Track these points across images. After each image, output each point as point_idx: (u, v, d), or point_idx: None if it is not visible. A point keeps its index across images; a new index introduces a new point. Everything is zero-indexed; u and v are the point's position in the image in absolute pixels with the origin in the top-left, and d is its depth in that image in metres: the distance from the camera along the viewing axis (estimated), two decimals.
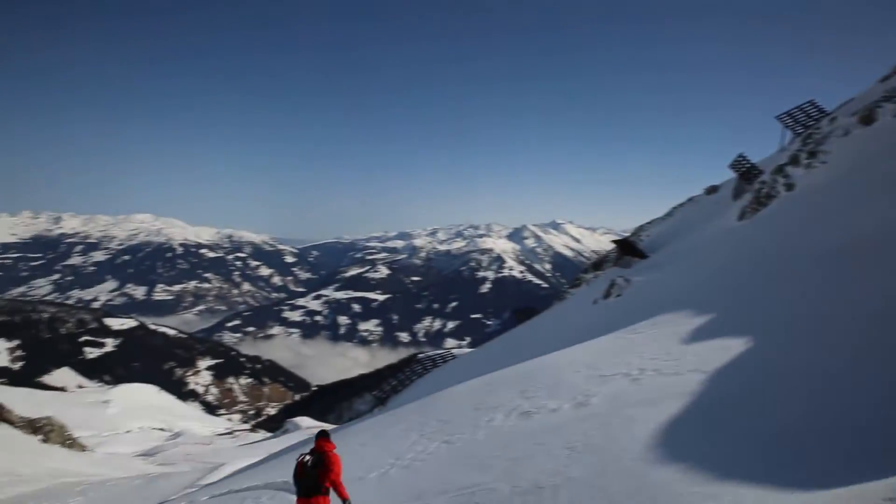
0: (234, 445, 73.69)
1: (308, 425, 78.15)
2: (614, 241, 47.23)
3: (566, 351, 16.78)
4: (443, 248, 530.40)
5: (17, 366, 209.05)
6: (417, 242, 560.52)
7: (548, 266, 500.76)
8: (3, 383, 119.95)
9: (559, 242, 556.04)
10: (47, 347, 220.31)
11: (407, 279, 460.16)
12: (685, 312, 15.80)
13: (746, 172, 36.64)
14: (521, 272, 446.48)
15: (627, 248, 43.46)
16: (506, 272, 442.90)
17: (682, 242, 37.70)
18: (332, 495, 7.23)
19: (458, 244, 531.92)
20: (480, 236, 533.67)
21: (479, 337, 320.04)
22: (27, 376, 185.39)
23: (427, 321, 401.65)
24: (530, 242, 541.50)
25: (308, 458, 7.16)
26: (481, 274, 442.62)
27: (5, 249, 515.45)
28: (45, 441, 53.25)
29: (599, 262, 54.98)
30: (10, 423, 54.01)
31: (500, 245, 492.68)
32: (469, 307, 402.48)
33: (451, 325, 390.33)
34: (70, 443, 57.07)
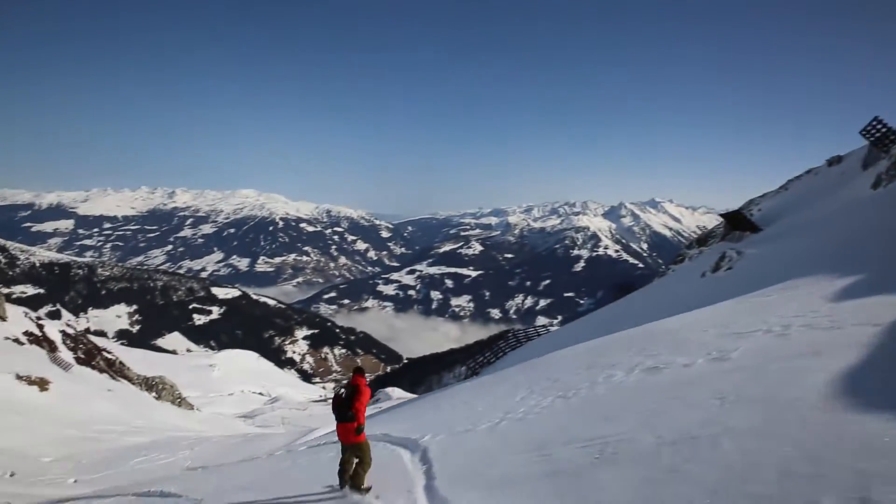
0: (328, 412, 75.16)
1: (399, 396, 78.73)
2: (722, 215, 44.42)
3: (682, 315, 15.48)
4: (537, 225, 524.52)
5: (135, 329, 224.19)
6: (511, 219, 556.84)
7: (644, 246, 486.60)
8: (123, 344, 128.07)
9: (657, 221, 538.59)
10: (161, 313, 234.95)
11: (500, 256, 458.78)
12: (823, 276, 14.17)
13: (882, 138, 33.25)
14: (617, 251, 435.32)
15: (737, 222, 40.96)
16: (601, 251, 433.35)
17: (801, 215, 35.16)
18: None
19: (553, 222, 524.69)
20: (576, 214, 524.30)
21: (571, 315, 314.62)
22: (143, 339, 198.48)
23: (519, 298, 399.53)
24: (627, 221, 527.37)
25: (343, 391, 8.23)
26: (575, 252, 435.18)
27: (126, 222, 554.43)
28: (157, 398, 56.21)
29: (704, 238, 52.46)
30: (129, 380, 57.38)
31: (596, 223, 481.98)
32: (562, 285, 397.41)
33: (543, 302, 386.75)
34: (179, 401, 60.10)
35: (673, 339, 11.47)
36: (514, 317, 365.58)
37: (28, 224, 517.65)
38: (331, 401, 8.29)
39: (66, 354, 51.11)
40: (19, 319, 53.36)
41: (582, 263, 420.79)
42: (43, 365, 44.46)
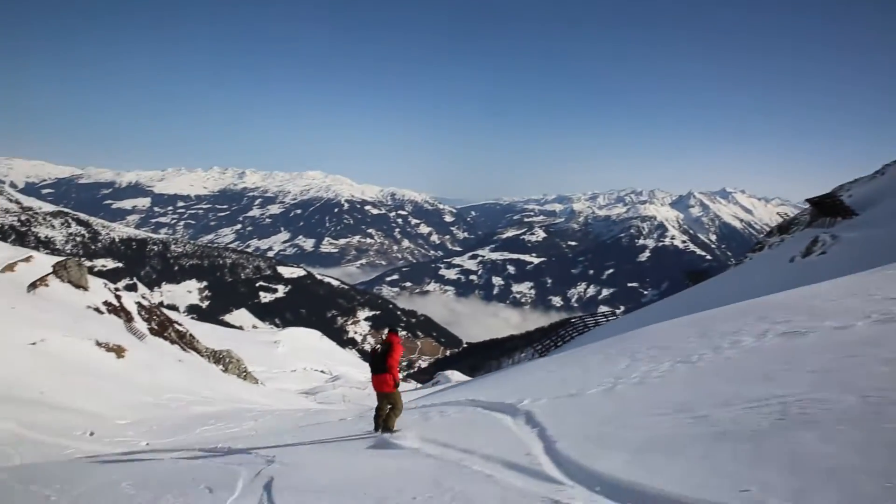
0: None
1: (458, 379, 77.98)
2: (810, 200, 41.76)
3: (792, 291, 13.77)
4: (602, 213, 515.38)
5: (205, 304, 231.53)
6: (576, 206, 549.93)
7: (713, 237, 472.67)
8: (193, 318, 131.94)
9: (727, 212, 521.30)
10: (229, 290, 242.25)
11: (563, 243, 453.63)
12: None
13: None
14: (684, 242, 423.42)
15: (828, 207, 38.47)
16: (667, 241, 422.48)
17: None
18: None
19: (618, 210, 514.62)
20: (642, 203, 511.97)
21: (635, 306, 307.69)
22: (212, 314, 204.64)
23: (581, 287, 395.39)
24: (696, 211, 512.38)
25: (379, 346, 9.57)
26: (641, 242, 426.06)
27: (198, 201, 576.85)
28: (224, 371, 57.27)
29: (786, 226, 50.20)
30: (198, 352, 58.68)
31: (663, 212, 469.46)
32: (625, 275, 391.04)
33: (605, 292, 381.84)
34: (245, 375, 61.14)
35: (801, 307, 9.97)
36: (576, 305, 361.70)
37: (109, 201, 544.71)
38: (369, 356, 9.68)
39: (140, 325, 52.55)
40: (99, 290, 55.14)
41: (647, 253, 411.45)
42: (120, 333, 45.70)
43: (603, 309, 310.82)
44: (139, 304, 58.62)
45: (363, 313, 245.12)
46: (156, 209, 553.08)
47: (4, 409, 24.95)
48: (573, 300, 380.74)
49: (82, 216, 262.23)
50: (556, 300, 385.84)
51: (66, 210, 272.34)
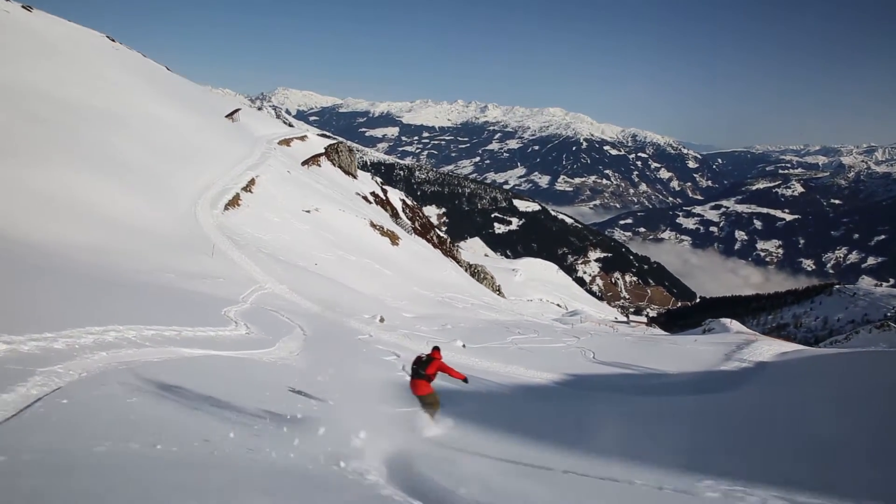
0: (644, 334, 71.47)
1: (737, 329, 71.67)
2: None
3: None
4: (880, 169, 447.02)
5: (443, 230, 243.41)
6: (846, 160, 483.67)
7: None
8: None
9: None
10: (466, 218, 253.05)
11: (824, 200, 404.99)
12: None
13: None
14: None
15: None
16: None
17: None
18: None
19: None
20: None
21: None
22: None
23: (841, 251, 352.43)
24: None
25: (424, 356, 9.73)
26: None
27: (441, 132, 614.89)
28: (479, 282, 58.83)
29: None
30: (456, 261, 60.80)
31: None
32: None
33: (871, 260, 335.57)
34: (498, 291, 62.51)
35: None
36: (832, 271, 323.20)
37: (363, 129, 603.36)
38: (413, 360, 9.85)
39: (405, 222, 55.18)
40: (367, 181, 58.96)
41: None
42: (388, 223, 48.00)
43: (866, 280, 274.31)
44: (403, 202, 61.42)
45: (594, 254, 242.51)
46: (403, 138, 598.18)
47: (278, 271, 26.16)
48: (828, 265, 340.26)
49: (341, 140, 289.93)
50: (808, 263, 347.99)
51: (328, 134, 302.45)
